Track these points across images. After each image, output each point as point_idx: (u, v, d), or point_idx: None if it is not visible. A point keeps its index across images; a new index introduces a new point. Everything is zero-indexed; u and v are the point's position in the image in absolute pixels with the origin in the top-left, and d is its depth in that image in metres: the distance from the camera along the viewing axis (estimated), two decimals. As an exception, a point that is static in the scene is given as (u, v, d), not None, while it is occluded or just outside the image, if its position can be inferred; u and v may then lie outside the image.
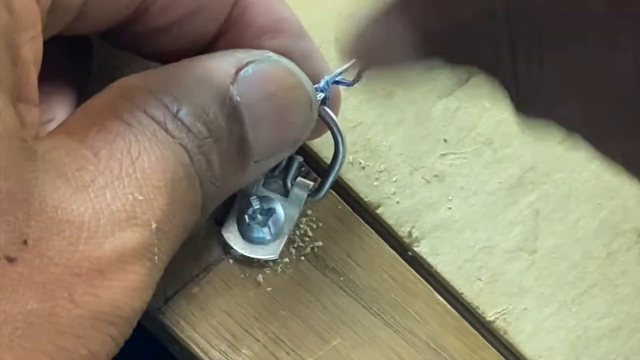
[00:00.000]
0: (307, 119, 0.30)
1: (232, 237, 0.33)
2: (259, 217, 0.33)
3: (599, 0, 0.20)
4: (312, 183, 0.34)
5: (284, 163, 0.34)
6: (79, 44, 0.31)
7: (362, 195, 0.35)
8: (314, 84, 0.31)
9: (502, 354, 0.35)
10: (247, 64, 0.28)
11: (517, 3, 0.21)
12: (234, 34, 0.31)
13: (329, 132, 0.32)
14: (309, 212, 0.35)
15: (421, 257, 0.35)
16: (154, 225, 0.24)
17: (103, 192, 0.23)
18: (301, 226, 0.35)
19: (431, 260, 0.35)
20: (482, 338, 0.35)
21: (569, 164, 0.36)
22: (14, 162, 0.21)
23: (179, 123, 0.26)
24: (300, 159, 0.34)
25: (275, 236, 0.33)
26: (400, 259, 0.35)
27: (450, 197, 0.36)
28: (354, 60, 0.31)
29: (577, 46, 0.21)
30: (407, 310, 0.34)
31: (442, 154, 0.36)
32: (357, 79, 0.31)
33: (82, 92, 0.31)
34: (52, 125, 0.29)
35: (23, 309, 0.21)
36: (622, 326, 0.35)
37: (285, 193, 0.34)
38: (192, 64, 0.28)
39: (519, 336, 0.35)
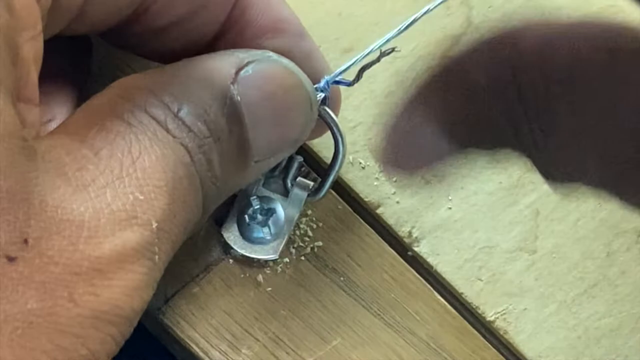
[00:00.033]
0: (307, 119, 0.30)
1: (232, 237, 0.33)
2: (259, 217, 0.33)
3: (601, 53, 0.20)
4: (312, 183, 0.34)
5: (284, 163, 0.34)
6: (79, 44, 0.31)
7: (362, 195, 0.35)
8: (314, 83, 0.31)
9: (502, 354, 0.35)
10: (247, 64, 0.28)
11: (524, 68, 0.21)
12: (234, 34, 0.31)
13: (329, 132, 0.32)
14: (309, 212, 0.35)
15: (421, 257, 0.35)
16: (154, 225, 0.24)
17: (103, 192, 0.23)
18: (301, 226, 0.35)
19: (431, 260, 0.35)
20: (482, 338, 0.35)
21: (569, 164, 0.36)
22: (14, 162, 0.21)
23: (180, 122, 0.26)
24: (300, 159, 0.34)
25: (275, 236, 0.33)
26: (400, 259, 0.35)
27: (450, 197, 0.36)
28: (354, 60, 0.31)
29: (587, 101, 0.20)
30: (407, 310, 0.34)
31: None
32: (357, 79, 0.31)
33: (82, 92, 0.31)
34: (52, 125, 0.29)
35: (23, 308, 0.21)
36: (622, 326, 0.35)
37: (285, 193, 0.34)
38: (193, 64, 0.28)
39: (519, 336, 0.35)
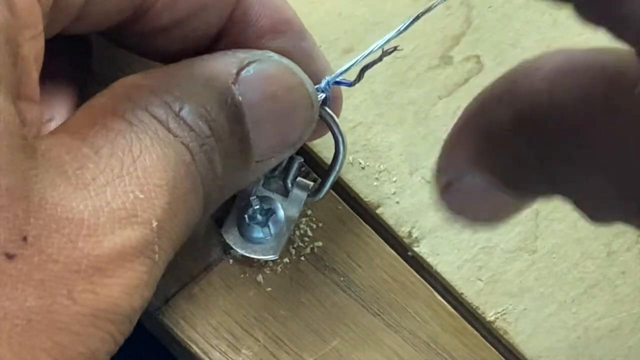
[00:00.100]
0: (308, 119, 0.30)
1: (232, 237, 0.33)
2: (259, 217, 0.33)
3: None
4: (312, 183, 0.34)
5: (284, 163, 0.34)
6: (80, 44, 0.32)
7: (362, 196, 0.35)
8: (315, 84, 0.31)
9: (502, 354, 0.35)
10: (248, 64, 0.28)
11: (522, 120, 0.21)
12: (235, 34, 0.31)
13: (329, 133, 0.33)
14: (309, 212, 0.35)
15: (421, 257, 0.35)
16: (154, 224, 0.24)
17: (104, 190, 0.23)
18: (301, 226, 0.35)
19: (431, 260, 0.35)
20: (482, 338, 0.35)
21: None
22: (13, 159, 0.21)
23: (181, 122, 0.26)
24: (300, 159, 0.34)
25: (275, 236, 0.33)
26: (400, 259, 0.35)
27: (450, 197, 0.36)
28: (354, 61, 0.31)
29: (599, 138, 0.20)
30: (407, 310, 0.34)
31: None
32: (359, 79, 0.31)
33: (82, 92, 0.31)
34: (52, 124, 0.29)
35: (22, 305, 0.21)
36: (622, 326, 0.35)
37: (286, 193, 0.34)
38: (194, 64, 0.28)
39: (519, 336, 0.35)
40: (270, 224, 0.33)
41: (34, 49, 0.24)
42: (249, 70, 0.28)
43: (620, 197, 0.20)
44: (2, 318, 0.21)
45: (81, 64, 0.31)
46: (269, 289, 0.34)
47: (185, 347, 0.33)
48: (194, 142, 0.26)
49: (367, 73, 0.31)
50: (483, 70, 0.37)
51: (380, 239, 0.35)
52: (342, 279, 0.34)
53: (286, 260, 0.34)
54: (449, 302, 0.35)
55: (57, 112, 0.29)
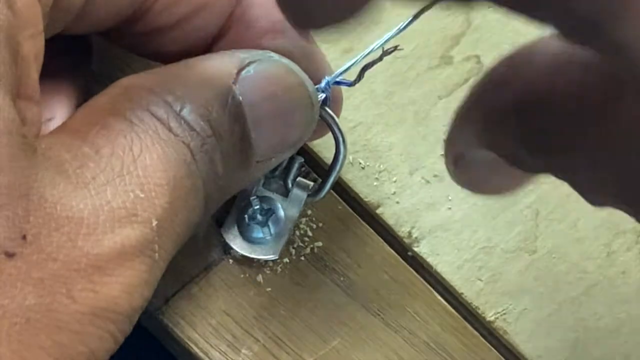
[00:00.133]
0: (308, 119, 0.30)
1: (232, 237, 0.33)
2: (259, 217, 0.33)
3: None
4: (312, 183, 0.34)
5: (284, 163, 0.34)
6: (80, 44, 0.32)
7: (362, 195, 0.35)
8: (315, 84, 0.31)
9: (501, 354, 0.35)
10: (248, 64, 0.28)
11: (522, 104, 0.21)
12: (235, 34, 0.31)
13: (329, 133, 0.33)
14: (309, 212, 0.35)
15: (421, 257, 0.35)
16: (154, 223, 0.24)
17: (104, 189, 0.23)
18: (301, 226, 0.35)
19: (431, 260, 0.35)
20: (482, 338, 0.35)
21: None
22: (13, 158, 0.21)
23: (182, 121, 0.26)
24: (301, 159, 0.34)
25: (275, 236, 0.33)
26: (400, 259, 0.35)
27: (450, 197, 0.36)
28: (354, 60, 0.31)
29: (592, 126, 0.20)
30: (407, 310, 0.34)
31: (442, 154, 0.36)
32: (359, 78, 0.31)
33: (82, 92, 0.31)
34: (52, 124, 0.29)
35: (21, 304, 0.21)
36: (622, 326, 0.35)
37: (286, 193, 0.34)
38: (194, 64, 0.28)
39: (518, 336, 0.35)
40: (270, 224, 0.33)
41: (34, 48, 0.24)
42: (249, 70, 0.28)
43: (616, 185, 0.20)
44: (1, 317, 0.21)
45: (81, 64, 0.31)
46: (269, 289, 0.34)
47: (185, 347, 0.33)
48: (195, 142, 0.26)
49: (367, 73, 0.31)
50: (483, 70, 0.37)
51: (380, 239, 0.35)
52: (342, 279, 0.34)
53: (286, 260, 0.34)
54: (449, 302, 0.35)
55: (57, 112, 0.29)
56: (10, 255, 0.21)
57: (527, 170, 0.23)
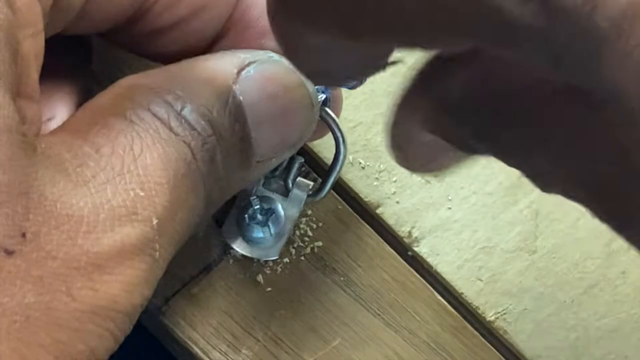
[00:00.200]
0: (308, 119, 0.30)
1: (232, 237, 0.33)
2: (259, 217, 0.33)
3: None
4: (312, 183, 0.34)
5: (285, 163, 0.34)
6: (80, 44, 0.32)
7: (362, 195, 0.35)
8: (315, 85, 0.31)
9: (502, 354, 0.35)
10: (248, 64, 0.28)
11: (472, 96, 0.21)
12: (235, 35, 0.31)
13: (329, 133, 0.33)
14: (309, 212, 0.35)
15: (421, 257, 0.35)
16: (155, 222, 0.24)
17: (104, 188, 0.23)
18: (301, 226, 0.35)
19: (431, 260, 0.35)
20: (482, 338, 0.35)
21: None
22: (13, 156, 0.21)
23: (183, 121, 0.26)
24: (301, 159, 0.34)
25: (275, 236, 0.33)
26: (400, 259, 0.35)
27: (450, 197, 0.36)
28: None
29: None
30: (407, 310, 0.34)
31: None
32: (359, 83, 0.31)
33: (82, 92, 0.31)
34: (53, 124, 0.29)
35: (20, 302, 0.21)
36: (622, 326, 0.35)
37: (286, 193, 0.34)
38: (195, 64, 0.28)
39: (518, 336, 0.35)
40: (270, 224, 0.33)
41: (34, 48, 0.24)
42: (250, 71, 0.28)
43: (563, 178, 0.20)
44: (0, 314, 0.21)
45: (81, 64, 0.32)
46: (269, 289, 0.34)
47: (185, 347, 0.33)
48: (196, 141, 0.26)
49: (368, 74, 0.31)
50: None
51: (380, 239, 0.35)
52: (342, 279, 0.34)
53: (286, 260, 0.34)
54: (449, 302, 0.35)
55: (57, 112, 0.29)
56: (9, 253, 0.21)
57: (472, 153, 0.23)
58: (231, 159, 0.27)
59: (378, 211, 0.35)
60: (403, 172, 0.36)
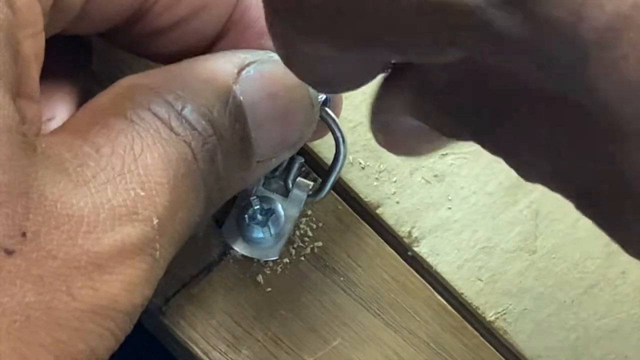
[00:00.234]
0: (308, 119, 0.30)
1: (232, 237, 0.33)
2: (259, 217, 0.33)
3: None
4: (312, 183, 0.34)
5: (285, 163, 0.34)
6: (80, 44, 0.32)
7: (362, 195, 0.35)
8: (315, 84, 0.31)
9: (501, 354, 0.35)
10: (249, 64, 0.28)
11: (456, 85, 0.21)
12: (235, 35, 0.31)
13: (329, 133, 0.33)
14: (309, 212, 0.35)
15: (421, 257, 0.35)
16: (155, 221, 0.24)
17: (104, 188, 0.23)
18: (301, 226, 0.35)
19: (431, 260, 0.35)
20: (482, 338, 0.35)
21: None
22: (13, 156, 0.21)
23: (183, 121, 0.26)
24: (301, 159, 0.34)
25: (275, 236, 0.33)
26: (400, 259, 0.35)
27: (450, 197, 0.36)
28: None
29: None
30: (407, 310, 0.34)
31: (442, 154, 0.36)
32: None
33: (82, 92, 0.31)
34: (53, 124, 0.29)
35: (21, 301, 0.21)
36: (622, 326, 0.35)
37: (286, 193, 0.34)
38: (195, 64, 0.28)
39: (518, 336, 0.35)
40: (270, 224, 0.33)
41: (34, 47, 0.24)
42: (250, 71, 0.28)
43: (548, 162, 0.20)
44: (0, 314, 0.21)
45: (81, 64, 0.32)
46: (269, 289, 0.34)
47: (185, 347, 0.33)
48: (196, 141, 0.26)
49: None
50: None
51: (380, 239, 0.35)
52: (342, 279, 0.34)
53: (286, 260, 0.34)
54: (449, 302, 0.35)
55: (58, 112, 0.29)
56: (9, 252, 0.21)
57: (455, 138, 0.23)
58: (231, 159, 0.27)
59: (378, 211, 0.35)
60: (403, 172, 0.36)
